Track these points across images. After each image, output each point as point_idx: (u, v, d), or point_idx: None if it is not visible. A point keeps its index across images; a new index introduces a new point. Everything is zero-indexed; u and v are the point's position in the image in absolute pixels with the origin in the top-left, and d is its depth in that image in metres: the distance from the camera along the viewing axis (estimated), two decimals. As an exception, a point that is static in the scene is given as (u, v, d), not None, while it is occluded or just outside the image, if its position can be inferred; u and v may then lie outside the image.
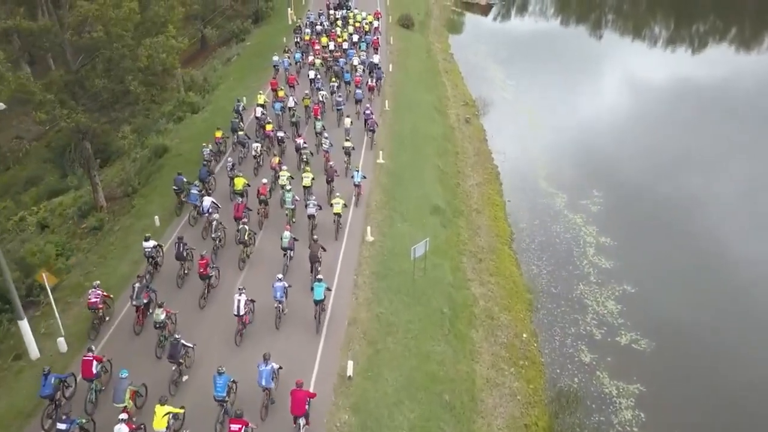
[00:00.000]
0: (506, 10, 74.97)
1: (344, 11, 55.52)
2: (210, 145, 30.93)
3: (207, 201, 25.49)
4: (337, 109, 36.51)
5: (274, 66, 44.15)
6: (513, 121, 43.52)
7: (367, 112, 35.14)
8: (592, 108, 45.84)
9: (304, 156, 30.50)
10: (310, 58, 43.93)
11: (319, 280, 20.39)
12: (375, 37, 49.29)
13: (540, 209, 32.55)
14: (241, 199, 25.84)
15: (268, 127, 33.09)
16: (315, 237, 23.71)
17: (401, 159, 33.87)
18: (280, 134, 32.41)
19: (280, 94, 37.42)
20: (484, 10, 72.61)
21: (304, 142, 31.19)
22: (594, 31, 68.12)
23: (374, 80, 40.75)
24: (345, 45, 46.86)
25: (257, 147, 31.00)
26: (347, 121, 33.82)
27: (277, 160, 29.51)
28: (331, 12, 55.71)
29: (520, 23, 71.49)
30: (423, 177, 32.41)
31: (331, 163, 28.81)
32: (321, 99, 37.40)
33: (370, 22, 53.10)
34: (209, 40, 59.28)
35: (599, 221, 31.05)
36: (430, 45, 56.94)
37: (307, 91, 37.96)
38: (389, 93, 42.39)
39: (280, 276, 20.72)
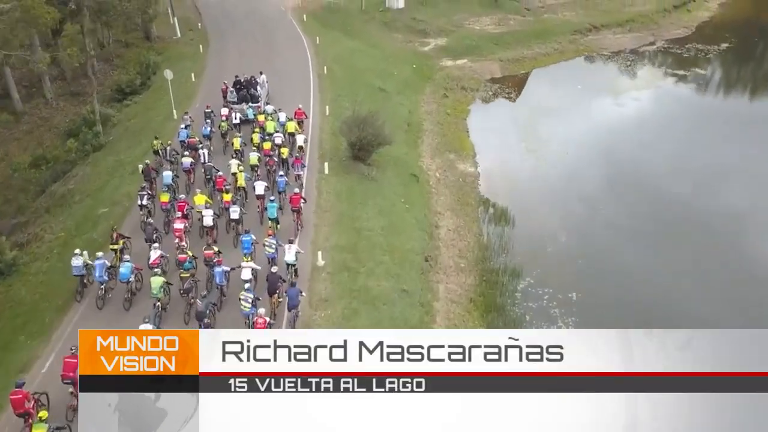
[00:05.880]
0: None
1: (251, 109, 32.15)
2: None
3: None
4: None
5: (77, 274, 20.57)
6: None
7: None
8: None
9: None
10: (155, 254, 20.61)
11: None
12: (296, 186, 25.50)
13: None
14: None
15: None
16: None
17: None
18: None
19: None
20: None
21: None
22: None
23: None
24: (235, 213, 23.01)
25: None
26: None
27: None
28: (225, 112, 31.52)
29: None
30: None
31: None
32: None
33: (291, 134, 30.04)
34: None
35: None
36: None
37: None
38: None
39: None
